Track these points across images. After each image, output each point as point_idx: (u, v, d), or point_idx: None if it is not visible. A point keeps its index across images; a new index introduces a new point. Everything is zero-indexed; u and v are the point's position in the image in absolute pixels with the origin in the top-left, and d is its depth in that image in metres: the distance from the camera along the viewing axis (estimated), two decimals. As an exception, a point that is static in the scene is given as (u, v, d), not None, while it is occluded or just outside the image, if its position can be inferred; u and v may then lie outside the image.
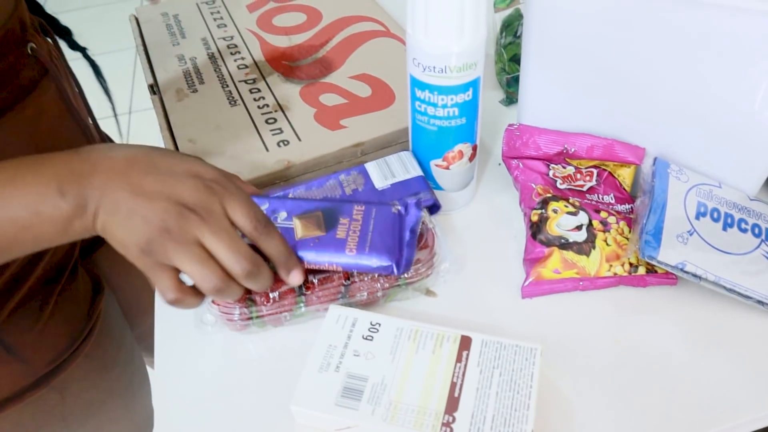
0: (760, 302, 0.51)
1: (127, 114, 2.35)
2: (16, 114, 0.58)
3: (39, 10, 0.68)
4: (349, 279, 0.52)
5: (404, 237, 0.51)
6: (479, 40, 0.50)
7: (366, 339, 0.48)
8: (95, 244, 0.75)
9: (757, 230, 0.55)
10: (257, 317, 0.51)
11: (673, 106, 0.55)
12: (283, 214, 0.52)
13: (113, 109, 0.77)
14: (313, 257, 0.50)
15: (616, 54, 0.54)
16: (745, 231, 0.55)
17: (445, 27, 0.48)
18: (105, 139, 0.78)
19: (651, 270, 0.54)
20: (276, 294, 0.51)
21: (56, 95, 0.63)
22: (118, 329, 0.75)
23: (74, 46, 0.72)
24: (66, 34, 0.71)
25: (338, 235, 0.50)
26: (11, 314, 0.60)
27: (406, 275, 0.52)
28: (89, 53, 0.72)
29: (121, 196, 0.42)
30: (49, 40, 0.67)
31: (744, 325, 0.52)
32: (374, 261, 0.49)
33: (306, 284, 0.51)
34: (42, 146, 0.60)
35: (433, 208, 0.56)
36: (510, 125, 0.62)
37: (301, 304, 0.52)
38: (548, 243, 0.55)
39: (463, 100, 0.52)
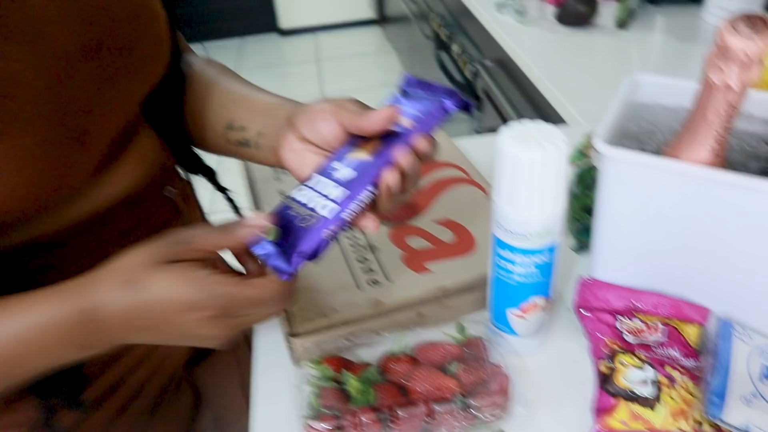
0: (824, 468, 0.53)
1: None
2: None
3: (187, 150, 0.74)
4: (430, 416, 0.57)
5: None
6: (558, 211, 0.57)
7: (445, 477, 0.52)
8: (199, 358, 0.82)
9: (820, 395, 0.58)
10: None
11: (738, 271, 0.60)
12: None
13: None
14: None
15: (684, 221, 0.60)
16: (808, 395, 0.58)
17: (528, 200, 0.55)
18: None
19: (716, 428, 0.57)
20: (364, 418, 0.56)
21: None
22: None
23: (217, 186, 0.78)
24: (209, 174, 0.77)
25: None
26: (121, 429, 0.66)
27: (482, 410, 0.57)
28: (230, 194, 0.78)
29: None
30: (185, 177, 0.74)
31: (808, 490, 0.54)
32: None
33: (392, 417, 0.56)
34: None
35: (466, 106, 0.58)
36: (582, 278, 0.67)
37: None
38: (615, 394, 0.59)
39: (541, 261, 0.59)
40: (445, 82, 2.18)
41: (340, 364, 0.62)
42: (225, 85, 0.70)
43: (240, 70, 0.72)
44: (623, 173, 0.59)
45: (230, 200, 0.79)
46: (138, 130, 0.64)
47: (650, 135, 0.65)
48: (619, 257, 0.66)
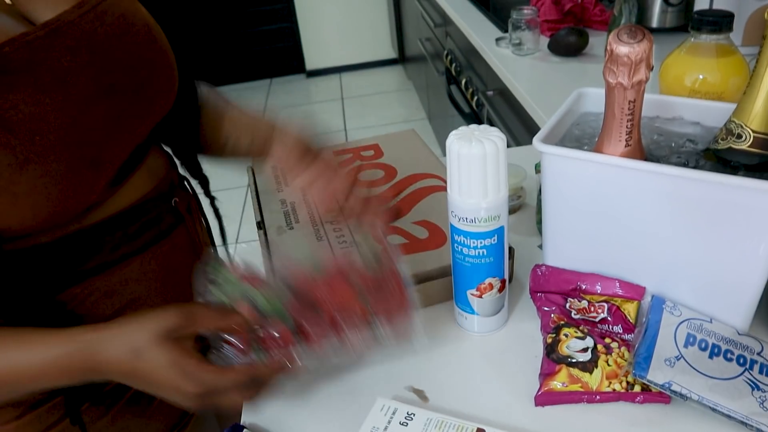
0: (742, 422, 0.61)
1: (233, 243, 2.65)
2: (155, 250, 0.76)
3: (196, 167, 0.87)
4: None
5: None
6: (501, 198, 0.66)
7: (402, 425, 0.61)
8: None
9: (741, 360, 0.66)
10: None
11: (670, 256, 0.68)
12: None
13: (224, 240, 0.95)
14: None
15: (613, 208, 0.69)
16: (730, 360, 0.65)
17: (473, 190, 0.64)
18: None
19: (646, 389, 0.65)
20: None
21: (186, 236, 0.81)
22: None
23: (208, 194, 0.91)
24: (204, 182, 0.89)
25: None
26: None
27: None
28: (216, 203, 0.91)
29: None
30: (189, 189, 0.87)
31: (725, 440, 0.62)
32: None
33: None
34: (172, 276, 0.78)
35: None
36: (536, 265, 0.76)
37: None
38: (558, 361, 0.67)
39: (490, 243, 0.68)
40: (456, 114, 2.30)
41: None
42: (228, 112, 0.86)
43: (269, 109, 0.86)
44: (558, 168, 0.69)
45: (214, 207, 0.91)
46: (148, 151, 0.76)
47: (591, 138, 0.74)
48: (565, 245, 0.75)
